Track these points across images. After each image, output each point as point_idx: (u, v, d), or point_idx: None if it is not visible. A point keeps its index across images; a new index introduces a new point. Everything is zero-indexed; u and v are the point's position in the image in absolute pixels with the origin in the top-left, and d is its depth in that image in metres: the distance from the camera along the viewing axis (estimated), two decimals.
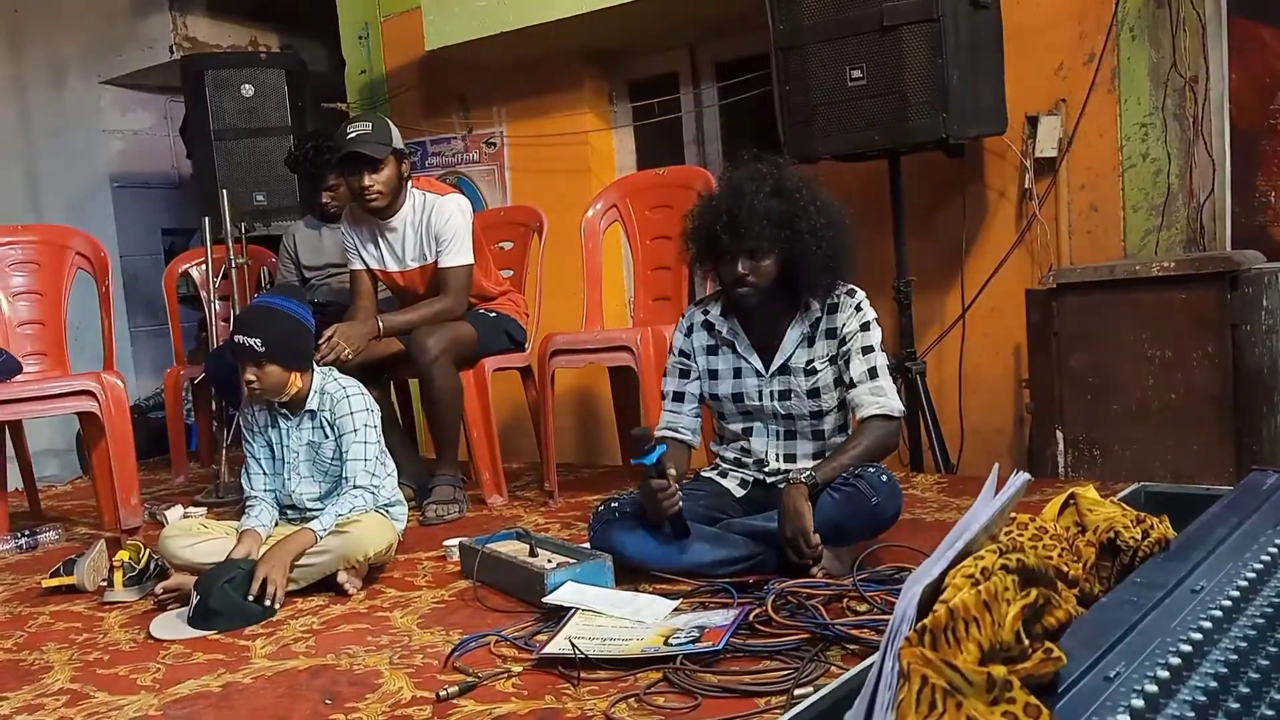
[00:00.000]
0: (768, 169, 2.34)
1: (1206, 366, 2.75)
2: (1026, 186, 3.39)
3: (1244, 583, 1.02)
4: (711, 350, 2.48)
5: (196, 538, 2.54)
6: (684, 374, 2.51)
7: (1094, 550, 1.13)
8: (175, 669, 2.03)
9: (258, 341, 2.49)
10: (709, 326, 2.47)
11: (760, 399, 2.40)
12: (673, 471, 2.23)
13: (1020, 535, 1.15)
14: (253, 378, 2.51)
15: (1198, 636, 0.90)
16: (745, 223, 2.23)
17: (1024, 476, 0.96)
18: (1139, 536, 1.12)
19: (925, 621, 0.80)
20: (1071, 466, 2.96)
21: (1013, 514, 1.21)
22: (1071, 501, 1.25)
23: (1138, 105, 3.24)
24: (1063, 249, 3.36)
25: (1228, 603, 0.97)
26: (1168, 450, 2.82)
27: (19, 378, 3.24)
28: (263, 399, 2.59)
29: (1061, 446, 2.97)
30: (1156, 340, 2.83)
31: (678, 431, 2.49)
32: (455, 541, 2.64)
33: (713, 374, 2.48)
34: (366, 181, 3.15)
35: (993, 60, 3.18)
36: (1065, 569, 1.12)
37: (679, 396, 2.51)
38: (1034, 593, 0.85)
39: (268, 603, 2.30)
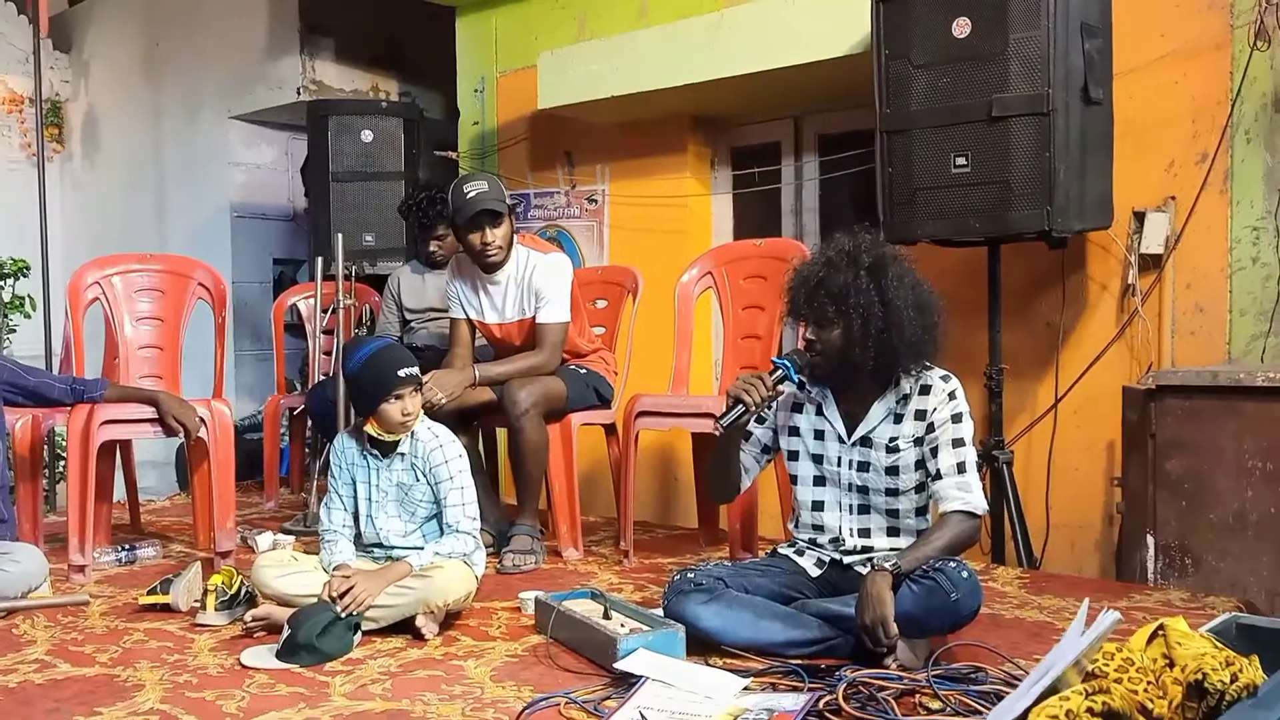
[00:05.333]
0: (862, 246, 2.35)
1: None
2: (1130, 282, 3.34)
3: None
4: (796, 407, 2.51)
5: (287, 569, 2.64)
6: (759, 419, 2.54)
7: (1181, 689, 1.12)
8: (259, 699, 2.11)
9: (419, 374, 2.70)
10: (799, 384, 2.50)
11: (839, 465, 2.42)
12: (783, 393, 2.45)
13: (1107, 665, 1.14)
14: (412, 409, 2.67)
15: None
16: (825, 291, 2.30)
17: (1114, 615, 0.97)
18: (1227, 680, 1.10)
19: None
20: (1161, 573, 2.88)
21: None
22: (1160, 632, 1.24)
23: (1250, 209, 3.18)
24: (1164, 348, 3.30)
25: None
26: (1263, 566, 2.73)
27: None
28: (404, 431, 2.70)
29: (1152, 552, 2.90)
30: (1258, 451, 2.75)
31: None
32: (531, 595, 2.69)
33: (792, 430, 2.50)
34: (489, 237, 3.27)
35: (1102, 155, 3.16)
36: (1150, 705, 1.11)
37: (746, 435, 2.54)
38: None
39: (345, 613, 2.41)
